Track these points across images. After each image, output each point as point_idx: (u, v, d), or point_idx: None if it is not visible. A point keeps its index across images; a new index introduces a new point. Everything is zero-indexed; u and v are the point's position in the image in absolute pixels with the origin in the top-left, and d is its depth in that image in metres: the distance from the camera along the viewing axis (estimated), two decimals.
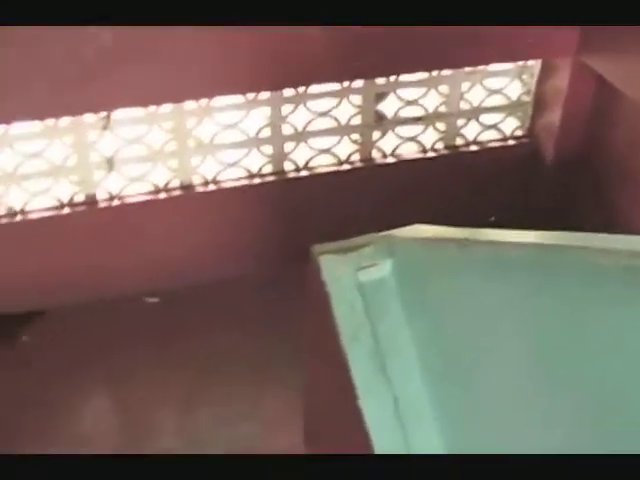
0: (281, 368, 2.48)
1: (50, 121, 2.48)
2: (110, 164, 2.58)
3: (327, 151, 2.73)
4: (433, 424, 1.86)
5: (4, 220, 2.57)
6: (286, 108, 2.64)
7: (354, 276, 1.90)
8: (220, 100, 2.58)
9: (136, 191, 2.65)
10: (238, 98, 2.59)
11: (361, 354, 1.87)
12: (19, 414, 2.41)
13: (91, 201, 2.63)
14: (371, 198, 2.77)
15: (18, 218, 2.58)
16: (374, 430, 1.82)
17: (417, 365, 1.88)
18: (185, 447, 2.34)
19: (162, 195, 2.66)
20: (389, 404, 1.86)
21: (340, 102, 2.65)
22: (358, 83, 2.66)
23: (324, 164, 2.75)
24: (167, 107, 2.55)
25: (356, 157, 2.77)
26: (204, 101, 2.56)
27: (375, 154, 2.80)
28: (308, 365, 2.16)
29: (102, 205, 2.63)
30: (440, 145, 2.86)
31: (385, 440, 1.82)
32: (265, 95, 2.61)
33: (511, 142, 2.90)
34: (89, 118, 2.50)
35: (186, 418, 2.43)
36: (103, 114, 2.50)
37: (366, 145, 2.76)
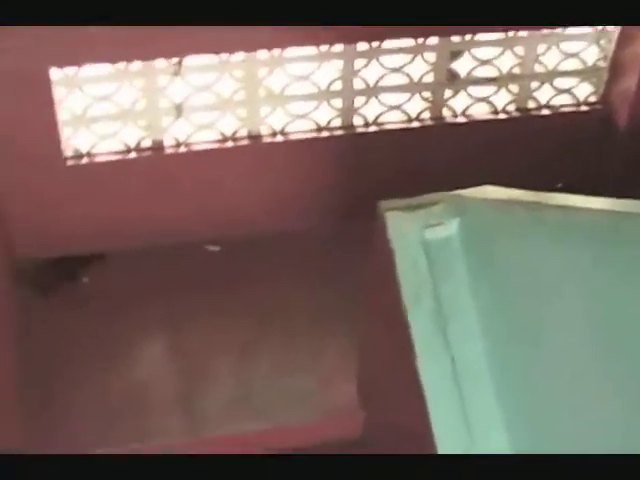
0: (341, 323, 2.50)
1: (121, 64, 2.48)
2: (179, 110, 2.58)
3: (397, 107, 2.70)
4: (490, 388, 1.86)
5: (70, 162, 2.58)
6: (359, 62, 2.62)
7: (420, 234, 1.92)
8: (292, 51, 2.56)
9: (203, 139, 2.66)
10: (311, 50, 2.57)
11: (422, 314, 1.90)
12: (76, 356, 2.47)
13: (158, 147, 2.64)
14: (439, 157, 2.74)
15: (84, 161, 2.59)
16: (430, 391, 1.84)
17: (478, 328, 1.90)
18: (242, 396, 2.39)
19: (229, 144, 2.66)
20: (447, 366, 1.87)
21: (414, 59, 2.63)
22: (433, 40, 2.62)
23: (393, 121, 2.73)
24: (239, 56, 2.54)
25: (426, 115, 2.74)
26: (276, 51, 2.55)
27: (445, 113, 2.77)
28: (366, 321, 2.18)
29: (168, 151, 2.64)
30: (512, 107, 2.82)
31: (440, 402, 1.83)
32: (338, 48, 2.59)
33: (584, 108, 2.84)
34: (160, 63, 2.51)
35: (244, 366, 2.47)
36: (175, 60, 2.50)
37: (437, 103, 2.74)
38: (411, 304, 1.90)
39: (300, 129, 2.70)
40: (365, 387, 2.27)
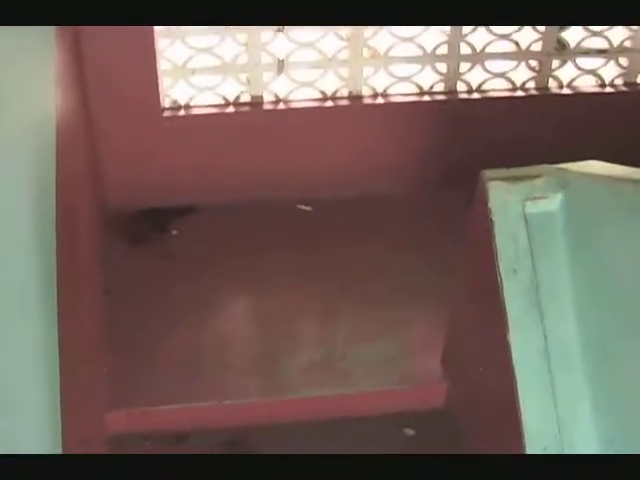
0: (430, 291, 2.49)
1: None
2: (280, 67, 2.60)
3: (502, 75, 2.69)
4: (580, 366, 1.88)
5: (167, 113, 2.62)
6: (466, 27, 2.61)
7: (521, 206, 1.94)
8: None
9: (303, 96, 2.67)
10: None
11: (517, 288, 1.90)
12: (161, 307, 2.50)
13: (257, 102, 2.66)
14: (543, 129, 2.73)
15: (182, 112, 2.63)
16: (519, 365, 1.86)
17: (573, 309, 1.91)
18: (323, 359, 2.39)
19: (329, 103, 2.67)
20: (539, 343, 1.88)
21: (522, 26, 2.58)
22: None
23: (498, 88, 2.71)
24: None
25: (531, 84, 2.72)
26: None
27: (551, 83, 2.74)
28: (459, 291, 2.19)
29: (267, 107, 2.66)
30: (620, 81, 2.79)
31: (530, 378, 1.85)
32: None
33: None
34: None
35: (326, 330, 2.47)
36: None
37: (543, 73, 2.71)
38: (507, 277, 1.90)
39: (402, 92, 2.69)
40: (451, 358, 2.29)
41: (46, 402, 1.64)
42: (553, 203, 1.95)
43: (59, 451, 1.63)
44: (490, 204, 1.91)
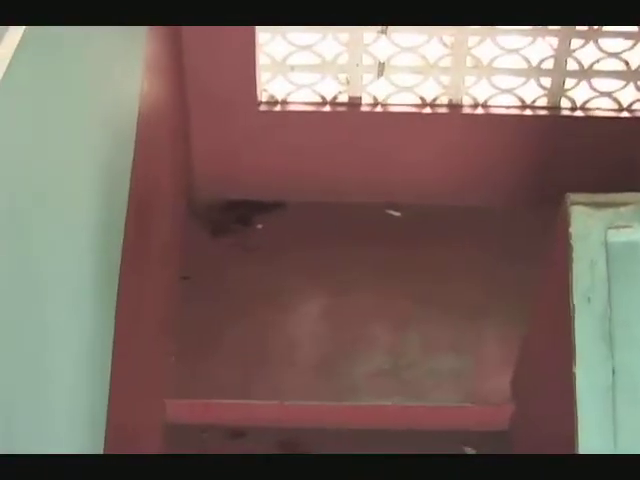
0: (507, 308, 2.47)
1: None
2: (381, 69, 2.61)
3: (608, 94, 2.63)
4: None
5: (263, 107, 2.67)
6: (575, 42, 2.57)
7: (603, 234, 1.89)
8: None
9: (402, 101, 2.68)
10: None
11: (589, 316, 1.85)
12: (236, 300, 2.54)
13: (354, 103, 2.68)
14: None
15: (277, 108, 2.67)
16: (582, 399, 1.82)
17: None
18: (391, 367, 2.39)
19: (427, 110, 2.67)
20: (606, 376, 1.83)
21: (634, 45, 2.53)
22: None
23: (603, 107, 2.65)
24: None
25: (638, 106, 2.64)
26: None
27: None
28: (533, 312, 2.16)
29: (365, 109, 2.67)
30: None
31: (590, 408, 1.81)
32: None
33: None
34: None
35: (399, 336, 2.47)
36: None
37: None
38: (580, 305, 1.86)
39: (503, 103, 2.68)
40: (520, 381, 2.26)
41: (96, 390, 1.69)
42: (637, 233, 1.90)
43: (101, 438, 1.67)
44: (571, 229, 1.88)
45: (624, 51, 2.56)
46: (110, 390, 1.73)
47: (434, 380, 2.33)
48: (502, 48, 2.57)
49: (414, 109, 2.68)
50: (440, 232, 2.73)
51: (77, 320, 1.61)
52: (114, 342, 1.77)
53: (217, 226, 2.74)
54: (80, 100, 1.64)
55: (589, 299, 1.88)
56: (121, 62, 1.97)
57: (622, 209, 1.90)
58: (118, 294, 1.81)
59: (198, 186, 2.76)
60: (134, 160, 1.97)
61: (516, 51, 2.58)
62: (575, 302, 1.86)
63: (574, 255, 1.87)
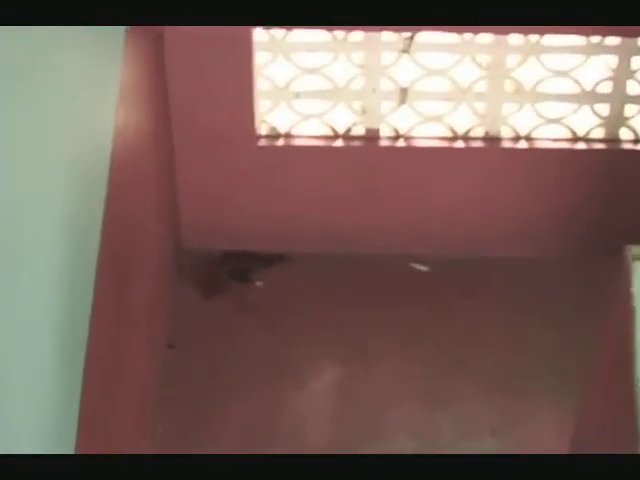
0: (548, 379, 2.28)
1: (340, 33, 2.35)
2: (403, 95, 2.41)
3: None
4: None
5: (263, 142, 2.48)
6: (638, 61, 2.36)
7: None
8: (552, 39, 2.34)
9: (428, 133, 2.48)
10: (578, 39, 2.33)
11: None
12: (232, 371, 2.33)
13: (372, 136, 2.47)
14: None
15: (280, 142, 2.48)
16: None
17: None
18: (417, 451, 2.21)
19: (459, 143, 2.46)
20: None
21: None
22: None
23: None
24: (487, 38, 2.35)
25: None
26: (533, 37, 2.33)
27: None
28: (589, 382, 1.95)
29: (384, 143, 2.46)
30: None
31: None
32: (614, 40, 2.33)
33: None
34: (388, 37, 2.35)
35: (425, 416, 2.26)
36: (406, 34, 2.33)
37: None
38: None
39: (550, 136, 2.47)
40: (580, 438, 2.03)
41: None
42: None
43: None
44: (633, 287, 1.69)
45: None
46: None
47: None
48: (549, 69, 2.38)
49: (443, 143, 2.47)
50: (474, 289, 2.53)
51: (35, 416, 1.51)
52: (78, 433, 1.64)
53: (209, 283, 2.54)
54: (41, 135, 1.52)
55: None
56: (92, 89, 1.83)
57: None
58: (85, 370, 1.67)
59: (186, 235, 2.57)
60: (107, 204, 1.82)
61: (566, 73, 2.39)
62: (638, 372, 1.65)
63: (636, 319, 1.67)
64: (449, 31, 2.30)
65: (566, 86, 2.41)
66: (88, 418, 1.70)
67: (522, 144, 2.45)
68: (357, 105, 2.46)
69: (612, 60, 2.38)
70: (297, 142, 2.48)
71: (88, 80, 1.81)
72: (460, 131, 2.47)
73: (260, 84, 2.41)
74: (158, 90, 2.35)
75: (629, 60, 2.35)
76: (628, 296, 1.70)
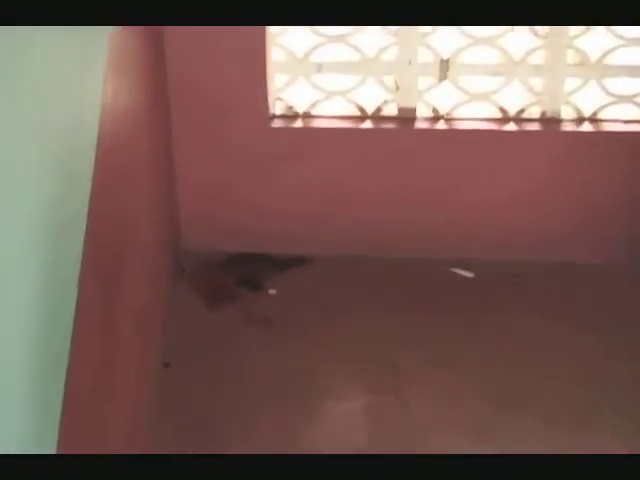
0: (615, 411, 1.98)
1: None
2: (444, 69, 2.15)
3: None
4: None
5: (277, 123, 2.21)
6: None
7: None
8: None
9: (474, 113, 2.21)
10: None
11: None
12: (242, 391, 2.04)
13: (407, 117, 2.20)
14: None
15: (297, 124, 2.22)
16: None
17: None
18: None
19: (510, 126, 2.18)
20: None
21: None
22: None
23: None
24: None
25: None
26: None
27: None
28: None
29: (421, 126, 2.19)
30: None
31: None
32: None
33: None
34: None
35: (469, 451, 1.96)
36: None
37: None
38: None
39: (620, 116, 2.18)
40: None
41: None
42: None
43: None
44: None
45: None
46: None
47: None
48: (619, 36, 2.11)
49: (492, 125, 2.22)
50: (527, 299, 2.28)
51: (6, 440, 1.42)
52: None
53: (213, 290, 2.31)
54: (20, 117, 1.42)
55: None
56: (76, 62, 1.70)
57: None
58: (65, 392, 1.53)
59: (186, 234, 2.34)
60: (92, 198, 1.68)
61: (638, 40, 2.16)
62: None
63: None
64: None
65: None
66: (70, 439, 1.56)
67: (586, 126, 2.21)
68: (389, 80, 2.23)
69: None
70: (318, 124, 2.25)
71: (72, 53, 1.67)
72: (512, 111, 2.23)
73: (275, 54, 2.21)
74: (154, 61, 2.17)
75: None
76: None
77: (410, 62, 2.16)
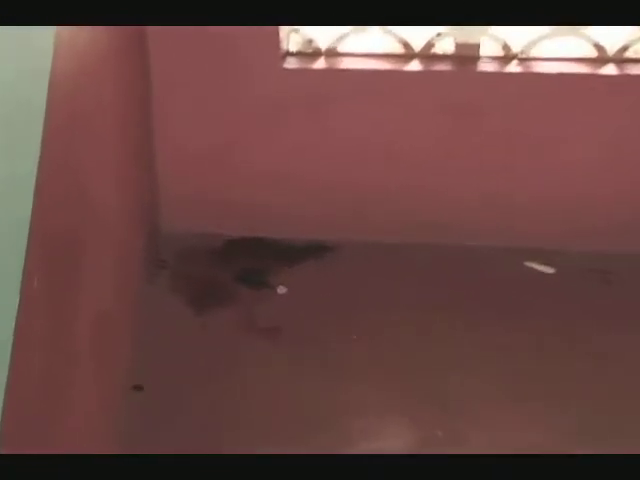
0: None
1: None
2: None
3: None
4: None
5: (291, 63, 1.81)
6: None
7: None
8: None
9: (556, 53, 1.80)
10: None
11: None
12: (245, 425, 1.69)
13: (467, 56, 1.77)
14: None
15: (317, 64, 1.78)
16: None
17: None
18: None
19: (607, 69, 1.74)
20: None
21: None
22: None
23: None
24: None
25: None
26: None
27: None
28: None
29: (485, 68, 1.76)
30: None
31: None
32: None
33: None
34: None
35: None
36: None
37: None
38: None
39: None
40: None
41: None
42: None
43: None
44: None
45: None
46: None
47: None
48: None
49: (583, 68, 1.80)
50: (583, 295, 1.92)
51: None
52: None
53: (202, 289, 1.94)
54: None
55: None
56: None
57: None
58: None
59: (168, 214, 1.98)
60: (40, 168, 1.43)
61: None
62: None
63: None
64: None
65: None
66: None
67: None
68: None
69: None
70: (345, 64, 1.87)
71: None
72: (611, 49, 1.81)
73: None
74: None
75: None
76: None
77: None
